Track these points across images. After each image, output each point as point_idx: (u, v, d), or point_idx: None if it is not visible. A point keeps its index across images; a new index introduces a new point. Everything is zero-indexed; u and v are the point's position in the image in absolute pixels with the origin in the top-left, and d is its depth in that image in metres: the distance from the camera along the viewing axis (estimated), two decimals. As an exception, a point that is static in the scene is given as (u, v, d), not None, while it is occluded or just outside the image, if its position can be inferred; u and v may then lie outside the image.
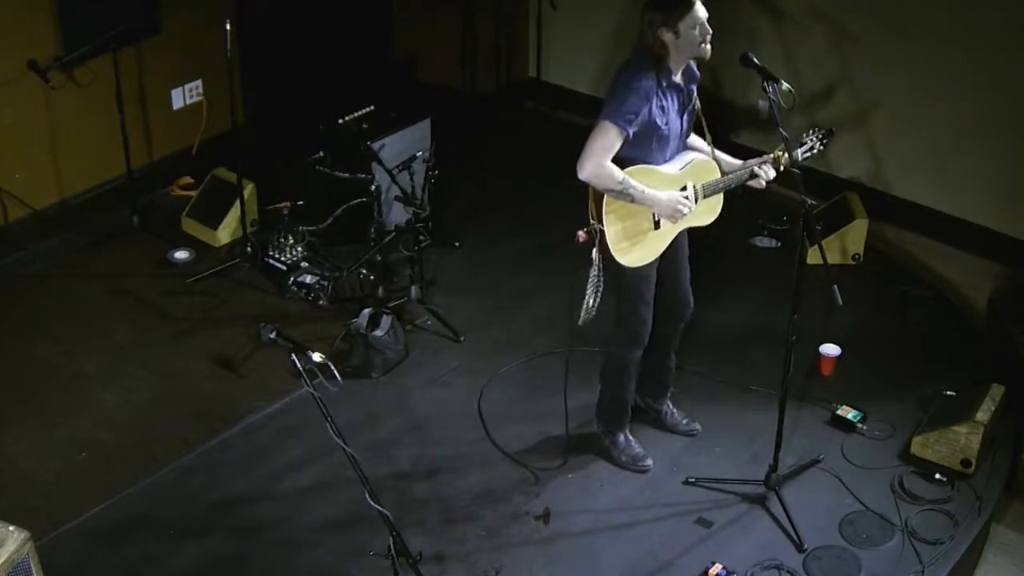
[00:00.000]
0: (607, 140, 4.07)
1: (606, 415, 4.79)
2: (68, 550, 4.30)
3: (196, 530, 4.43)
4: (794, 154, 4.30)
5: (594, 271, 4.26)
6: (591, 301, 4.29)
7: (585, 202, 4.24)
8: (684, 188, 4.29)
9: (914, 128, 6.37)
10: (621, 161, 4.14)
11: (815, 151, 4.39)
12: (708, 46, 4.10)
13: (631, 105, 4.06)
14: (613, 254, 4.21)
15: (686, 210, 4.24)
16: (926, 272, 6.22)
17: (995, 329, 5.67)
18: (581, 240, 4.20)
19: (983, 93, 6.07)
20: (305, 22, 6.79)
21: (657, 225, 4.29)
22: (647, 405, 4.95)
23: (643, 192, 4.14)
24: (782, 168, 4.32)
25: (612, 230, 4.18)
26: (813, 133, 4.38)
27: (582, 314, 4.33)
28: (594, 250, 4.22)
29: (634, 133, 4.11)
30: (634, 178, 4.14)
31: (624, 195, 4.12)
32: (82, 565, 4.27)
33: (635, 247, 4.26)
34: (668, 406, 4.95)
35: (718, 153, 4.44)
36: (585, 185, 4.20)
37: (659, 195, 4.19)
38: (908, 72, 6.27)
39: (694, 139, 4.46)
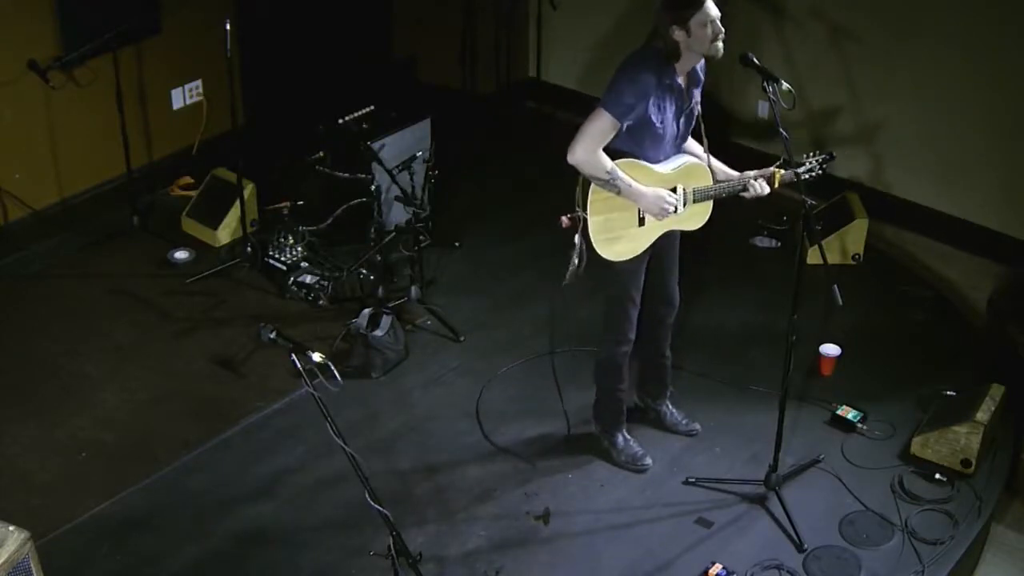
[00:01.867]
0: (600, 127, 4.09)
1: (602, 415, 4.79)
2: (68, 550, 4.30)
3: (196, 530, 4.43)
4: (790, 173, 4.30)
5: (575, 255, 4.24)
6: (576, 263, 4.28)
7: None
8: (674, 190, 4.30)
9: (914, 128, 6.37)
10: (614, 153, 4.15)
11: (815, 174, 4.33)
12: (719, 44, 4.10)
13: (628, 97, 4.08)
14: (594, 244, 4.22)
15: (670, 208, 4.25)
16: (926, 272, 6.22)
17: (995, 329, 5.67)
18: (564, 226, 4.22)
19: (983, 93, 6.07)
20: (305, 22, 6.79)
21: (642, 222, 4.30)
22: (647, 405, 4.96)
23: (630, 186, 4.15)
24: (776, 186, 4.32)
25: (595, 220, 4.19)
26: (814, 156, 4.33)
27: (568, 275, 4.30)
28: (576, 235, 4.22)
29: (628, 127, 4.12)
30: (623, 171, 4.15)
31: (610, 185, 4.14)
32: (82, 565, 4.27)
33: (617, 241, 4.27)
34: (668, 406, 4.95)
35: (714, 161, 4.43)
36: (578, 174, 4.22)
37: (645, 190, 4.20)
38: (909, 72, 6.27)
39: (692, 145, 4.46)
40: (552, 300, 4.59)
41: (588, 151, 4.09)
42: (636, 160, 4.20)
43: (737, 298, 5.81)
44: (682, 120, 4.27)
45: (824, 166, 4.35)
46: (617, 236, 4.26)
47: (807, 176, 4.31)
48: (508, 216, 6.48)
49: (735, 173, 4.41)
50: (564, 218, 4.22)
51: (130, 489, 4.60)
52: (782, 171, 4.32)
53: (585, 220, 4.18)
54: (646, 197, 4.20)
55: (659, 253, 4.46)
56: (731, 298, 5.80)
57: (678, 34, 4.07)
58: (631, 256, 4.33)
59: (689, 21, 4.04)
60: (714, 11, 4.06)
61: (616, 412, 4.76)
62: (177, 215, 6.30)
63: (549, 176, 6.58)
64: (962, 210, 6.36)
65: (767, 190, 4.33)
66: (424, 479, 4.71)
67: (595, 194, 4.16)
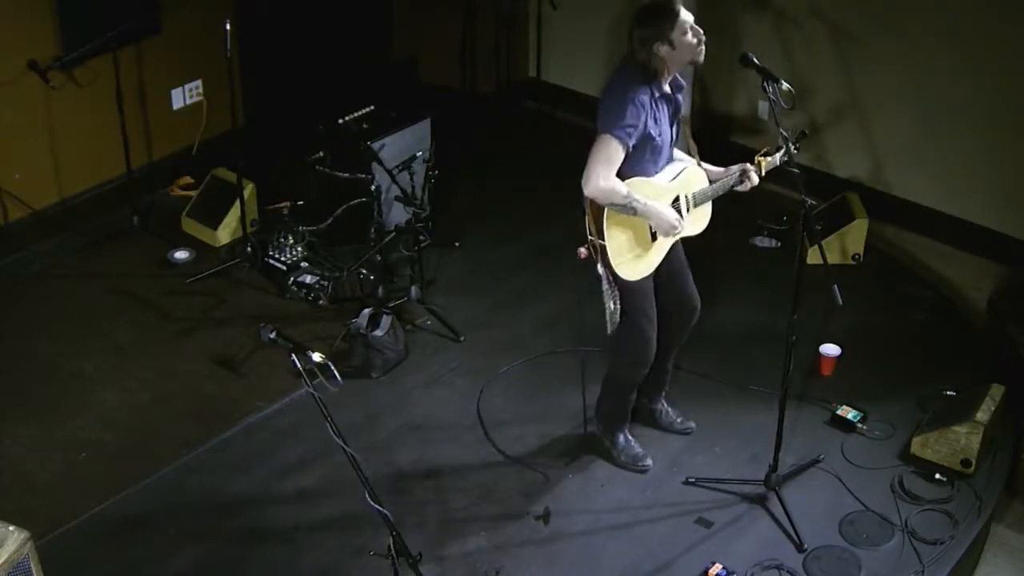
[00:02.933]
0: (610, 153, 4.04)
1: (606, 418, 4.79)
2: (68, 550, 4.30)
3: (196, 530, 4.43)
4: (773, 159, 4.35)
5: (604, 285, 4.25)
6: (612, 307, 4.29)
7: (581, 208, 4.25)
8: (676, 199, 4.30)
9: (914, 128, 6.37)
10: (617, 174, 4.12)
11: (791, 155, 4.33)
12: (703, 48, 4.12)
13: (630, 117, 4.04)
14: (614, 268, 4.19)
15: (678, 227, 4.24)
16: (926, 272, 6.22)
17: (995, 329, 5.67)
18: (583, 257, 4.20)
19: (983, 93, 6.07)
20: (305, 22, 6.80)
21: (654, 237, 4.29)
22: (640, 405, 4.93)
23: (645, 205, 4.12)
24: (763, 174, 4.37)
25: (613, 244, 4.15)
26: (784, 138, 4.34)
27: (609, 324, 4.33)
28: (598, 265, 4.21)
29: (632, 145, 4.10)
30: (634, 190, 4.13)
31: (628, 209, 4.09)
32: (82, 565, 4.27)
33: (635, 260, 4.25)
34: (663, 404, 4.95)
35: (702, 163, 4.45)
36: (581, 206, 4.21)
37: (659, 208, 4.18)
38: (908, 72, 6.27)
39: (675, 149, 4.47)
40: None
41: (604, 179, 4.03)
42: (638, 178, 4.16)
43: (737, 298, 5.80)
44: (675, 126, 4.29)
45: (798, 143, 4.35)
46: (635, 256, 4.24)
47: (786, 158, 4.33)
48: (508, 216, 6.48)
49: (721, 169, 4.43)
50: (581, 249, 4.19)
51: (130, 489, 4.60)
52: (767, 158, 4.36)
53: (603, 247, 4.14)
54: (660, 214, 4.17)
55: (668, 260, 4.44)
56: (731, 298, 5.79)
57: (663, 50, 4.06)
58: (648, 274, 4.33)
59: (671, 34, 4.04)
60: (688, 16, 4.07)
61: (621, 416, 4.76)
62: (177, 215, 6.30)
63: (549, 176, 6.64)
64: (962, 210, 6.36)
65: (757, 180, 4.37)
66: (424, 479, 4.71)
67: (611, 218, 4.11)
